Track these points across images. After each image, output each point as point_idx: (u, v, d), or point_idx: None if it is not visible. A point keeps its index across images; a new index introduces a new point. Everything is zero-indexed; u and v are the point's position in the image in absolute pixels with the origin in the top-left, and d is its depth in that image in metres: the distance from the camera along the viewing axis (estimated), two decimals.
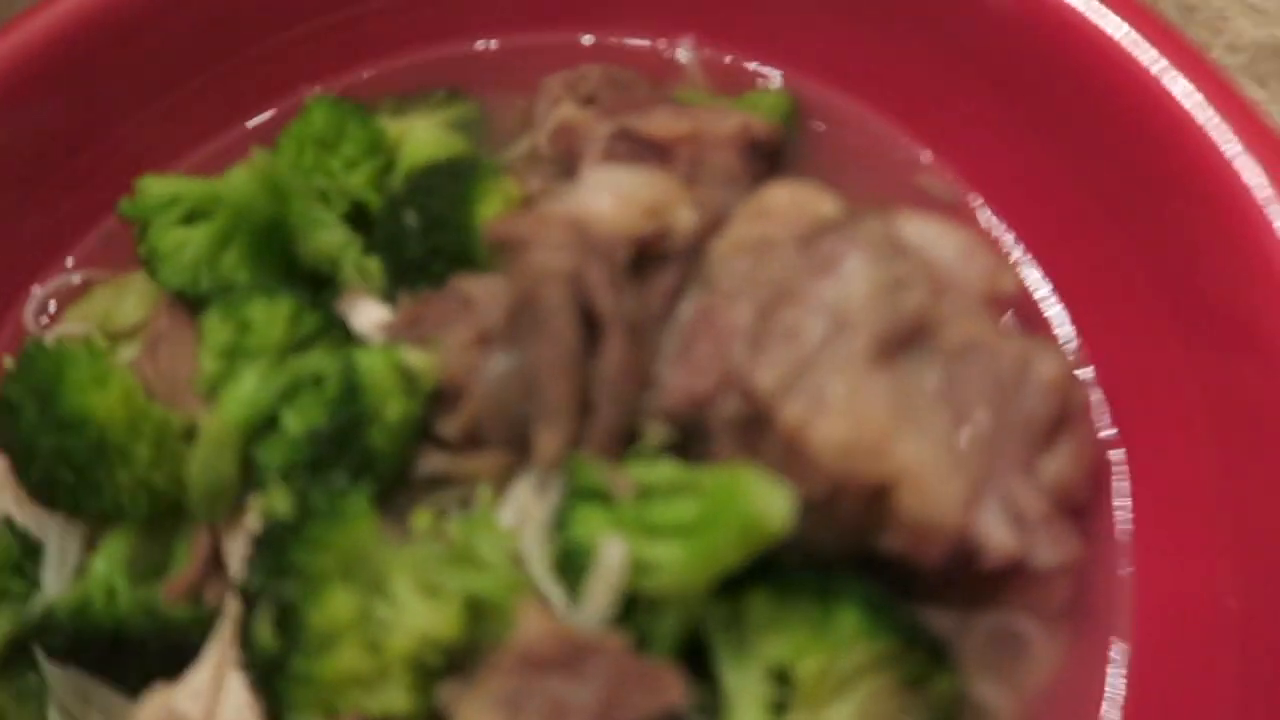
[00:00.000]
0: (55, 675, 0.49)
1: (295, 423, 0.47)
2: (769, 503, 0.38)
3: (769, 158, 0.60)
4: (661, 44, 0.70)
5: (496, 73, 0.71)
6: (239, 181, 0.53)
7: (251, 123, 0.71)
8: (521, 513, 0.49)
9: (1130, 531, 0.48)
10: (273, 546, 0.42)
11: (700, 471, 0.43)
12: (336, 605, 0.41)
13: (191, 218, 0.57)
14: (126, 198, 0.57)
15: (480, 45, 0.72)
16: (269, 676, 0.42)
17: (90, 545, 0.52)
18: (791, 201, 0.48)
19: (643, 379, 0.46)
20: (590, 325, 0.45)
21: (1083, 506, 0.47)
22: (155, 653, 0.47)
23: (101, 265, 0.66)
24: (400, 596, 0.42)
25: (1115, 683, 0.46)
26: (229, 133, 0.70)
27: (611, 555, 0.41)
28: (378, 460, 0.47)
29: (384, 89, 0.70)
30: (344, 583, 0.41)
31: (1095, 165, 0.51)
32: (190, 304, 0.57)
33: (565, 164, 0.61)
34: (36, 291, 0.64)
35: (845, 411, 0.41)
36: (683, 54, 0.69)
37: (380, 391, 0.48)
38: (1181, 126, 0.46)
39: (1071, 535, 0.44)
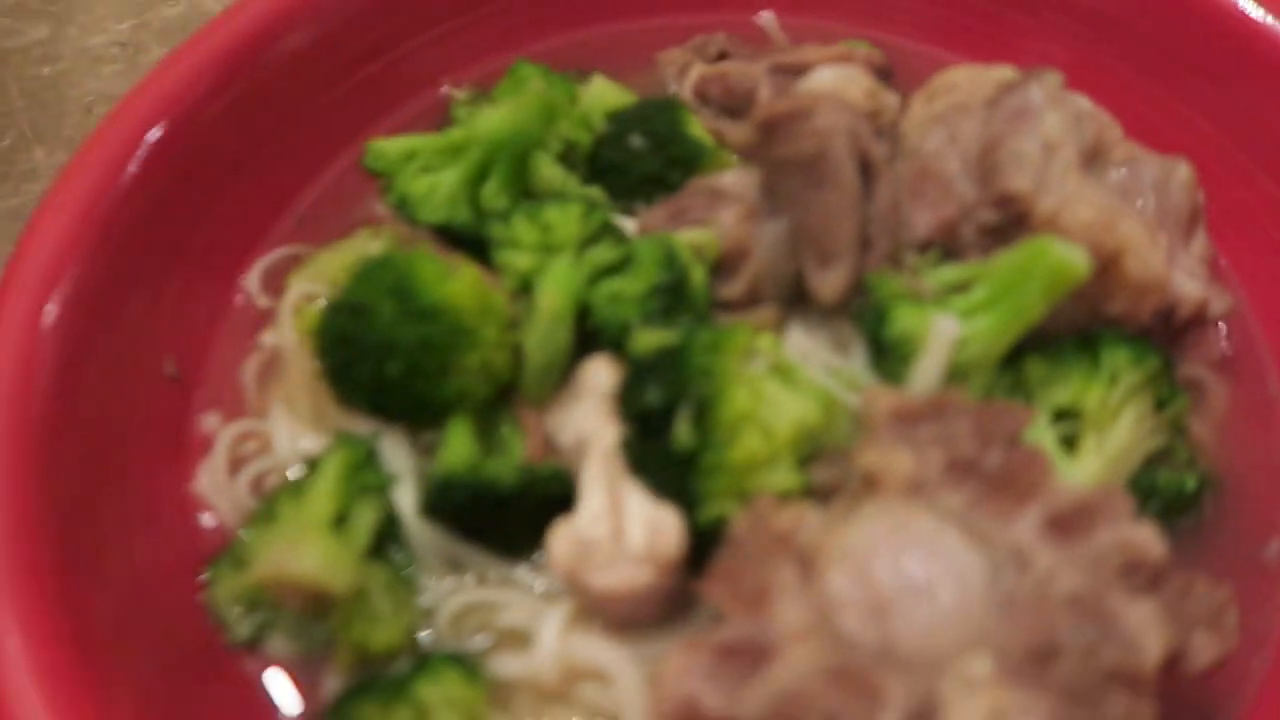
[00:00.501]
0: (428, 548, 0.54)
1: (632, 286, 0.55)
2: (1070, 254, 0.51)
3: (886, 81, 0.74)
4: (746, 16, 0.83)
5: (607, 55, 0.82)
6: (500, 119, 0.62)
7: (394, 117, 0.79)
8: (800, 352, 0.60)
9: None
10: (672, 363, 0.50)
11: (983, 265, 0.55)
12: (739, 398, 0.50)
13: (427, 168, 0.65)
14: (370, 153, 0.65)
15: (585, 34, 0.84)
16: (683, 476, 0.50)
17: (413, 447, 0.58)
18: (969, 75, 0.62)
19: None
20: (863, 173, 0.57)
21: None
22: (529, 508, 0.53)
23: (298, 242, 0.71)
24: (773, 395, 0.52)
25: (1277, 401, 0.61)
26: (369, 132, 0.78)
27: (945, 329, 0.52)
28: (701, 313, 0.57)
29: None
30: (738, 382, 0.50)
31: (1172, 68, 0.67)
32: (441, 235, 0.64)
33: (723, 105, 0.74)
34: (248, 276, 0.68)
35: (1084, 200, 0.54)
36: (766, 21, 0.83)
37: (687, 260, 0.57)
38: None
39: (1227, 290, 0.59)
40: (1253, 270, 0.64)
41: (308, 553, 0.49)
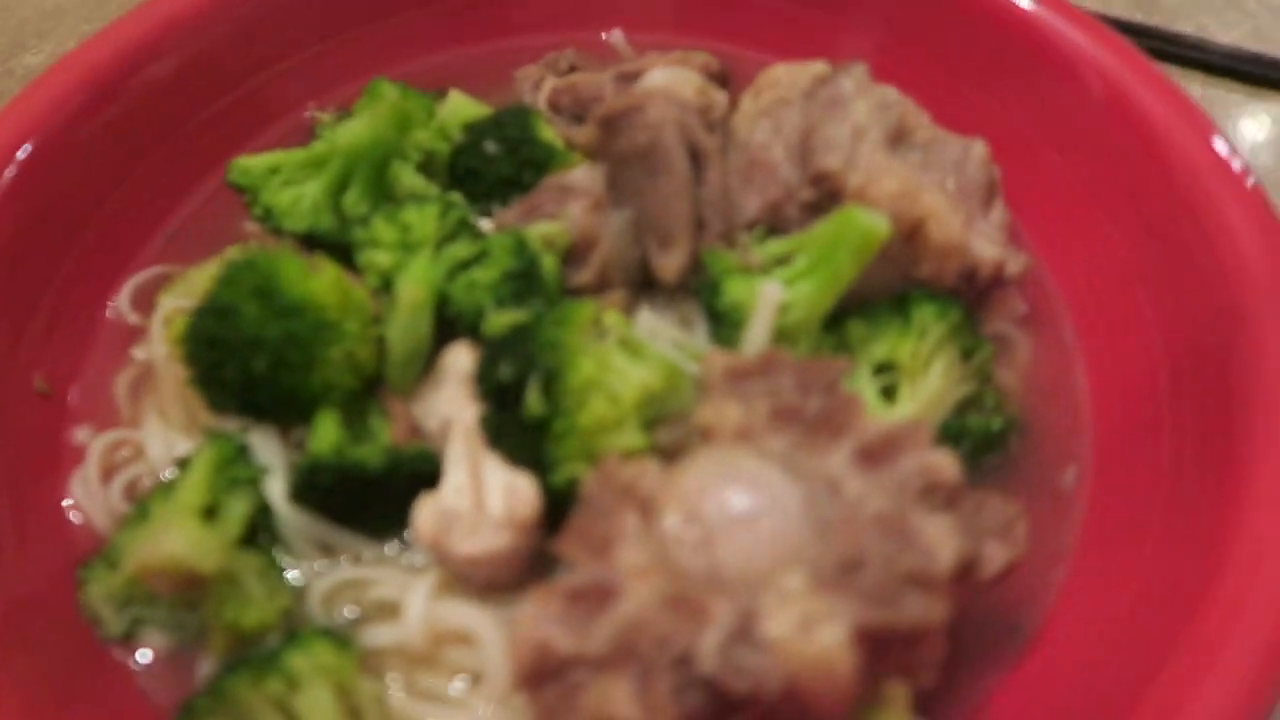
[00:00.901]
0: (300, 534, 0.57)
1: (486, 275, 0.59)
2: (873, 220, 0.57)
3: (723, 84, 0.80)
4: (597, 35, 0.89)
5: (468, 75, 0.86)
6: (359, 130, 0.65)
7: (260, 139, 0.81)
8: (649, 330, 0.64)
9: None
10: (522, 339, 0.54)
11: (802, 236, 0.61)
12: (585, 367, 0.54)
13: (290, 181, 0.68)
14: (234, 169, 0.67)
15: (447, 56, 0.88)
16: (537, 443, 0.54)
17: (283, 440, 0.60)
18: (787, 72, 0.68)
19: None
20: (694, 161, 0.62)
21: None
22: (397, 488, 0.56)
23: (168, 261, 0.73)
24: (619, 364, 0.56)
25: (1073, 350, 0.68)
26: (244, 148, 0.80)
27: (770, 295, 0.58)
28: (552, 296, 0.61)
29: None
30: (584, 353, 0.54)
31: (967, 61, 0.75)
32: (307, 244, 0.67)
33: (573, 113, 0.79)
34: (119, 297, 0.70)
35: (889, 175, 0.61)
36: (616, 39, 0.89)
37: (538, 249, 0.62)
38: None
39: (1022, 253, 0.66)
40: (1047, 234, 0.72)
41: (175, 537, 0.51)
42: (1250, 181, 0.62)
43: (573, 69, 0.82)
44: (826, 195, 0.62)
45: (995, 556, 0.49)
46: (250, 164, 0.68)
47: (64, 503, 0.60)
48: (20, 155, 0.65)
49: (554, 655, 0.47)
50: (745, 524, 0.47)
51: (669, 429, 0.57)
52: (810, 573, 0.46)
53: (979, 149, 0.67)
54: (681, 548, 0.47)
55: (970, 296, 0.66)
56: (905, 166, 0.63)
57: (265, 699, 0.50)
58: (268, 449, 0.59)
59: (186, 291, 0.69)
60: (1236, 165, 0.62)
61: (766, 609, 0.44)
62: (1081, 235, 0.70)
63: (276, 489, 0.57)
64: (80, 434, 0.63)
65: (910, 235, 0.62)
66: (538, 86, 0.83)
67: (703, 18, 0.88)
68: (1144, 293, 0.64)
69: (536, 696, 0.47)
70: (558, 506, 0.55)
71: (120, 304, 0.70)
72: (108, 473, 0.61)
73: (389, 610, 0.55)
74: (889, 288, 0.63)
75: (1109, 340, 0.66)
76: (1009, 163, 0.69)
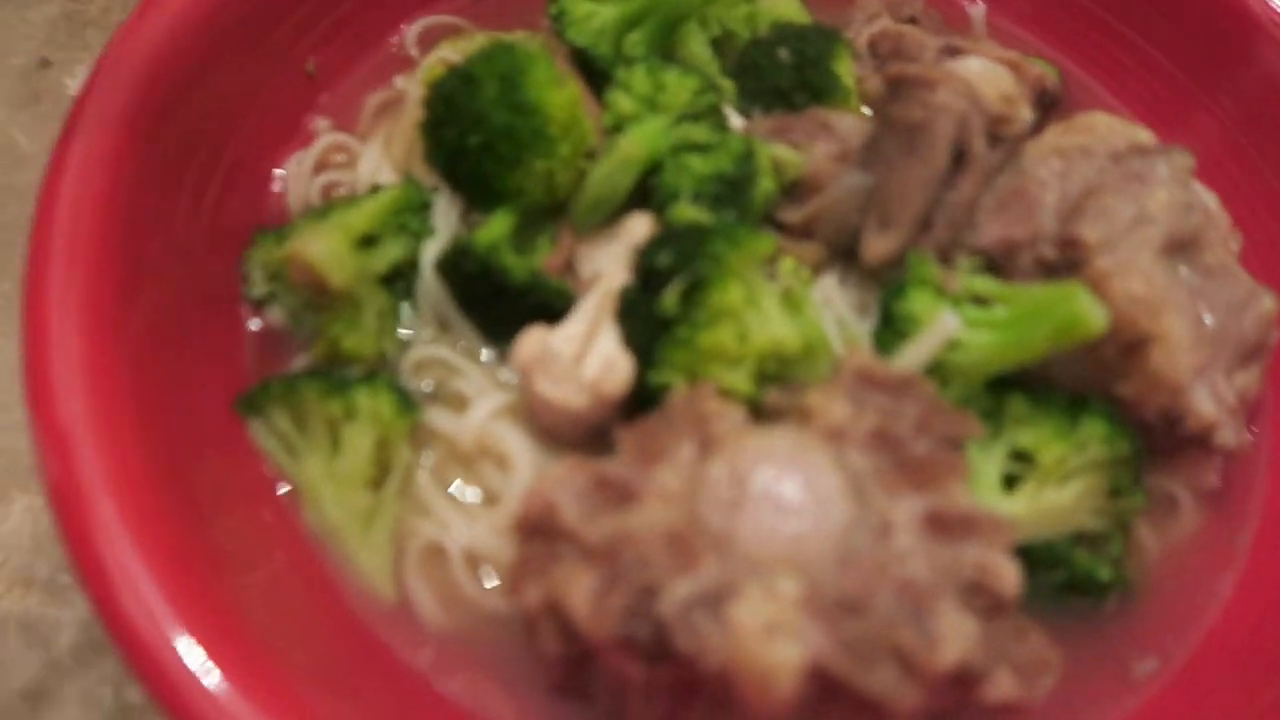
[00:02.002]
0: (430, 300, 0.60)
1: (702, 165, 0.59)
2: (1093, 311, 0.51)
3: (1047, 107, 0.73)
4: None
5: None
6: None
7: None
8: (824, 296, 0.62)
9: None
10: (691, 238, 0.54)
11: (1013, 288, 0.56)
12: (732, 292, 0.53)
13: None
14: None
15: None
16: (654, 338, 0.54)
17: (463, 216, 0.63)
18: (1110, 125, 0.61)
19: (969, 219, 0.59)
20: (955, 161, 0.58)
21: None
22: (523, 305, 0.59)
23: (465, 17, 0.77)
24: (767, 308, 0.55)
25: (1239, 556, 0.60)
26: None
27: (946, 324, 0.54)
28: (749, 215, 0.60)
29: None
30: (739, 280, 0.54)
31: None
32: (580, 59, 0.68)
33: (884, 61, 0.75)
34: (410, 27, 0.75)
35: (1142, 275, 0.54)
36: (975, 11, 0.83)
37: (760, 167, 0.60)
38: None
39: (1246, 429, 0.58)
40: None
41: (322, 244, 0.55)
42: None
43: (912, 20, 0.77)
44: (1067, 263, 0.56)
45: (1002, 685, 0.46)
46: None
47: (275, 170, 0.67)
48: None
49: (555, 521, 0.48)
50: (778, 511, 0.46)
51: (780, 394, 0.55)
52: (808, 588, 0.44)
53: (1267, 304, 0.59)
54: (711, 498, 0.47)
55: (1164, 441, 0.59)
56: (1168, 279, 0.56)
57: (321, 413, 0.55)
58: (446, 216, 0.62)
59: (463, 50, 0.73)
60: None
61: (747, 592, 0.43)
62: None
63: (431, 252, 0.61)
64: (319, 123, 0.69)
65: (1130, 348, 0.55)
66: (871, 20, 0.79)
67: (1072, 31, 0.80)
68: None
69: (522, 545, 0.49)
70: (642, 400, 0.55)
71: (409, 34, 0.74)
72: (320, 166, 0.67)
73: (458, 402, 0.58)
74: (1079, 383, 0.58)
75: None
76: None
